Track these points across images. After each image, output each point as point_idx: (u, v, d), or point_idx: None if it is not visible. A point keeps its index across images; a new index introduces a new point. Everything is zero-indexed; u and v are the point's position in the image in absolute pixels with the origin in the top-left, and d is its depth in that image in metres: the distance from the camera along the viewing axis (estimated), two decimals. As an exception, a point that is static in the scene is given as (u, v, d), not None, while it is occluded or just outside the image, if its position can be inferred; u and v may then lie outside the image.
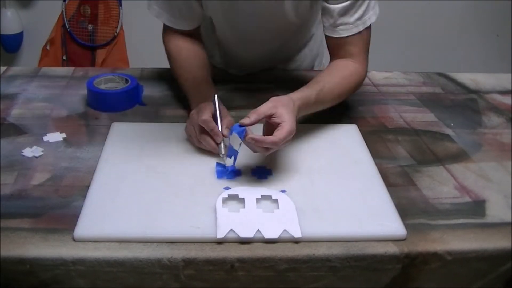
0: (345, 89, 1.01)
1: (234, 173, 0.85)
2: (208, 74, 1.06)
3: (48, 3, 2.47)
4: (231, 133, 0.83)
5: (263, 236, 0.72)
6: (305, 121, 1.02)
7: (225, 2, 1.05)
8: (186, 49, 1.10)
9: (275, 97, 0.86)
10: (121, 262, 0.69)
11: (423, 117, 1.08)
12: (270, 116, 0.83)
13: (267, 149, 0.82)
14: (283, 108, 0.83)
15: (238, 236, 0.72)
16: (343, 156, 0.93)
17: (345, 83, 1.00)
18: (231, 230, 0.73)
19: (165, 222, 0.74)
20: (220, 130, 0.88)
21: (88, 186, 0.81)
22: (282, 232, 0.73)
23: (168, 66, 1.12)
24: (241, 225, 0.74)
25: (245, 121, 0.82)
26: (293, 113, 0.85)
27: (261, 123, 0.86)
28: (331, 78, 0.99)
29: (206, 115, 0.89)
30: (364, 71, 1.04)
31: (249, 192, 0.80)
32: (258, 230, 0.73)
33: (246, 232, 0.73)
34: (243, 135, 0.81)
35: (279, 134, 0.81)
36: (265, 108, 0.83)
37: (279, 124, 0.82)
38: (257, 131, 0.84)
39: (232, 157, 0.85)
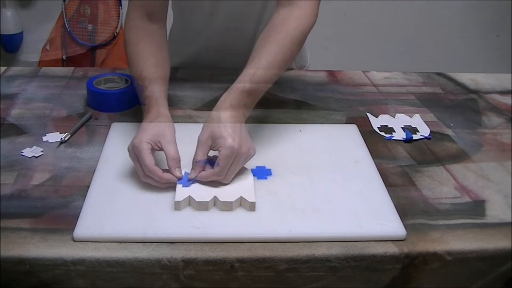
0: (288, 49, 0.90)
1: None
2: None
3: (48, 3, 2.46)
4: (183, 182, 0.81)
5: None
6: (305, 121, 1.02)
7: None
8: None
9: (206, 124, 0.82)
10: (121, 262, 0.69)
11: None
12: (212, 148, 0.81)
13: (223, 178, 0.80)
14: (217, 133, 0.80)
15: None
16: (343, 156, 0.93)
17: (286, 45, 0.89)
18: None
19: (165, 222, 0.74)
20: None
21: (88, 186, 0.81)
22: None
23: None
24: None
25: (192, 175, 0.81)
26: (231, 129, 0.80)
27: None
28: (267, 49, 0.88)
29: (174, 149, 0.81)
30: (312, 12, 0.93)
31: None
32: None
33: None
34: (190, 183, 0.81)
35: (219, 161, 0.79)
36: (202, 148, 0.81)
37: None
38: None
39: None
